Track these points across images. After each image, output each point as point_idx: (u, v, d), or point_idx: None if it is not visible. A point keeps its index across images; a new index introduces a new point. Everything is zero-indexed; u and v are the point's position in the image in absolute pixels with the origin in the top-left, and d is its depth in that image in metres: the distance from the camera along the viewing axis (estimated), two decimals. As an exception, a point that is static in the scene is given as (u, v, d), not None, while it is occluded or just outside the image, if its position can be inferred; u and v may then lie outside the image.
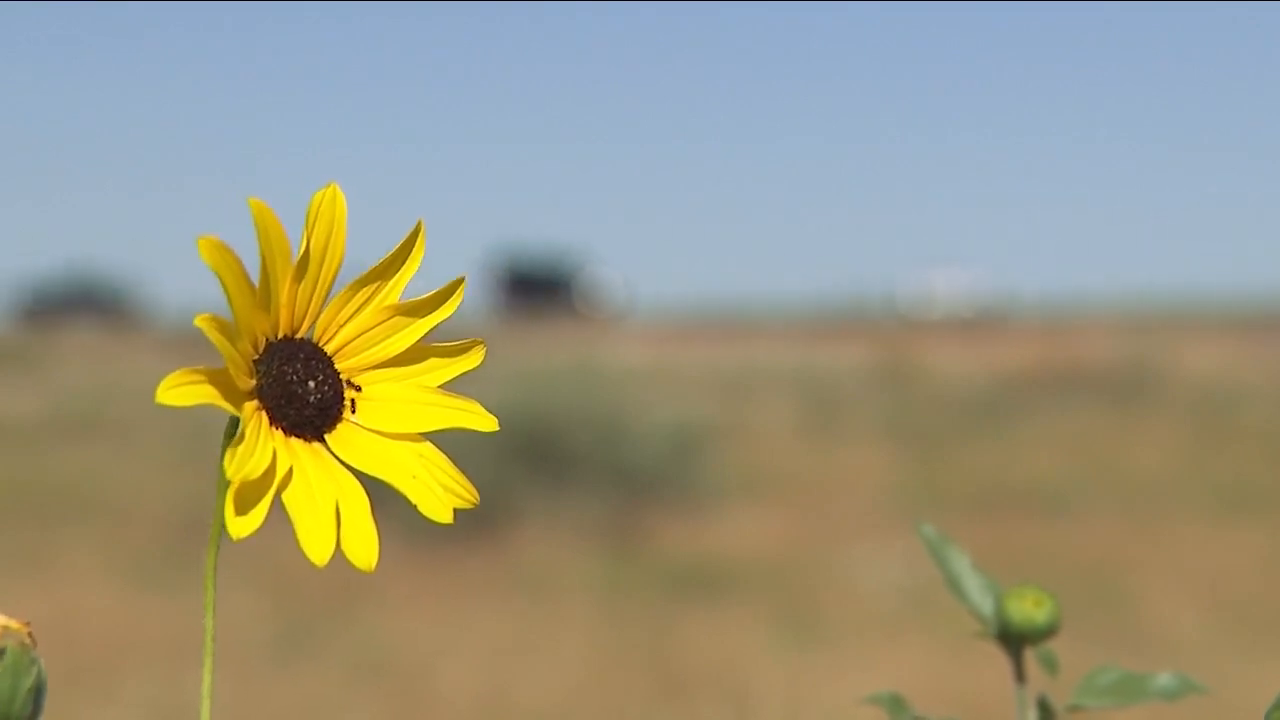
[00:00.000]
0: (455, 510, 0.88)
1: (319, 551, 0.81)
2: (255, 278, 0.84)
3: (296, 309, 0.87)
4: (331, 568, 0.82)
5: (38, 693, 0.86)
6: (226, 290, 0.82)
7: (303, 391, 0.86)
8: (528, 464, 8.97)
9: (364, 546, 0.83)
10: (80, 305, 35.71)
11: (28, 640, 0.86)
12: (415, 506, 0.86)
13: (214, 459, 0.85)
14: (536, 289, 38.01)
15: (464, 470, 0.89)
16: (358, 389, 0.90)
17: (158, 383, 0.79)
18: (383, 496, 0.88)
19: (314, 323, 0.89)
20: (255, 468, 0.81)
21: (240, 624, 6.65)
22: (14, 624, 0.86)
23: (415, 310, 0.91)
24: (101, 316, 33.90)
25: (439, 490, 0.87)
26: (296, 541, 0.81)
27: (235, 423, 0.84)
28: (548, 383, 10.19)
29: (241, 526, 0.80)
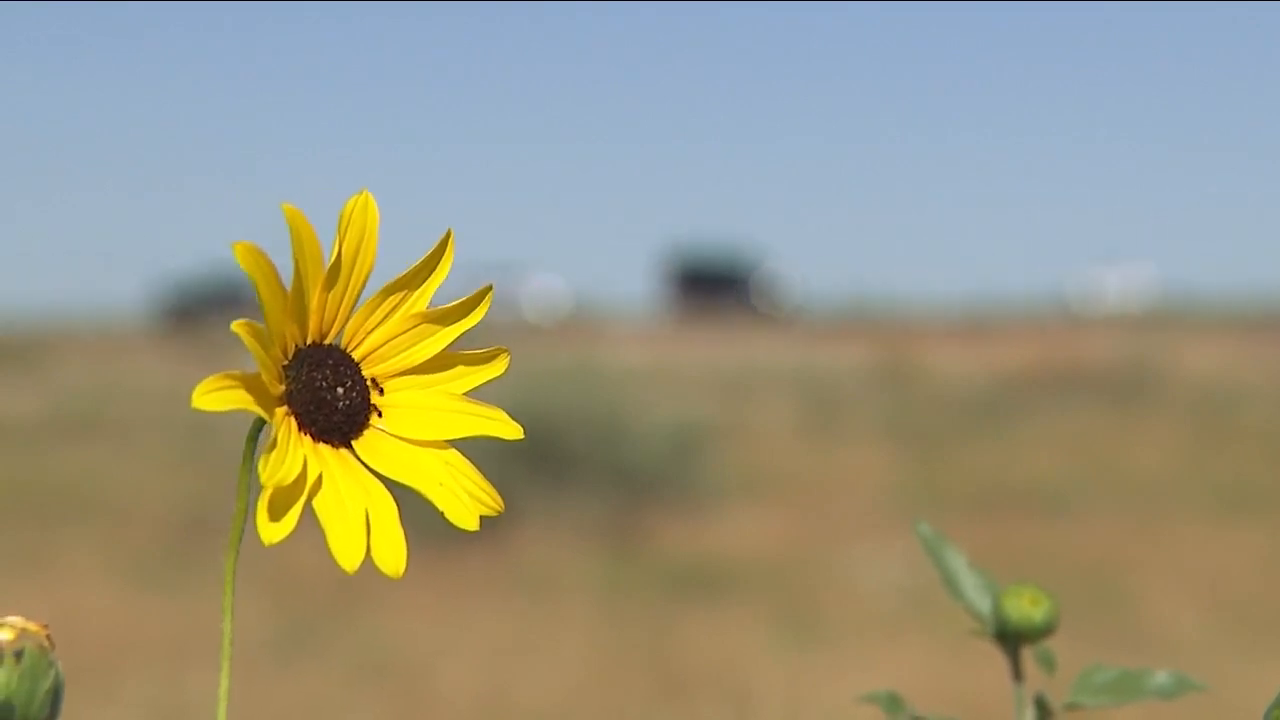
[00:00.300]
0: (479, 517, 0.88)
1: (349, 558, 0.82)
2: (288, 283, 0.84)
3: (326, 315, 0.87)
4: (332, 568, 0.83)
5: (55, 695, 0.86)
6: (260, 295, 0.82)
7: (331, 398, 0.86)
8: (528, 464, 8.98)
9: (393, 553, 0.84)
10: (226, 303, 35.58)
11: (46, 643, 0.86)
12: (443, 514, 0.87)
13: (214, 459, 0.86)
14: (711, 287, 37.05)
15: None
16: (380, 390, 0.90)
17: (159, 382, 0.80)
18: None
19: (342, 329, 0.89)
20: (288, 473, 0.81)
21: (241, 624, 6.64)
22: (33, 626, 0.86)
23: (442, 318, 0.91)
24: (247, 314, 33.94)
25: (465, 497, 0.88)
26: (327, 548, 0.81)
27: (259, 428, 0.84)
28: (548, 382, 10.19)
29: (274, 532, 0.80)
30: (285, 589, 7.28)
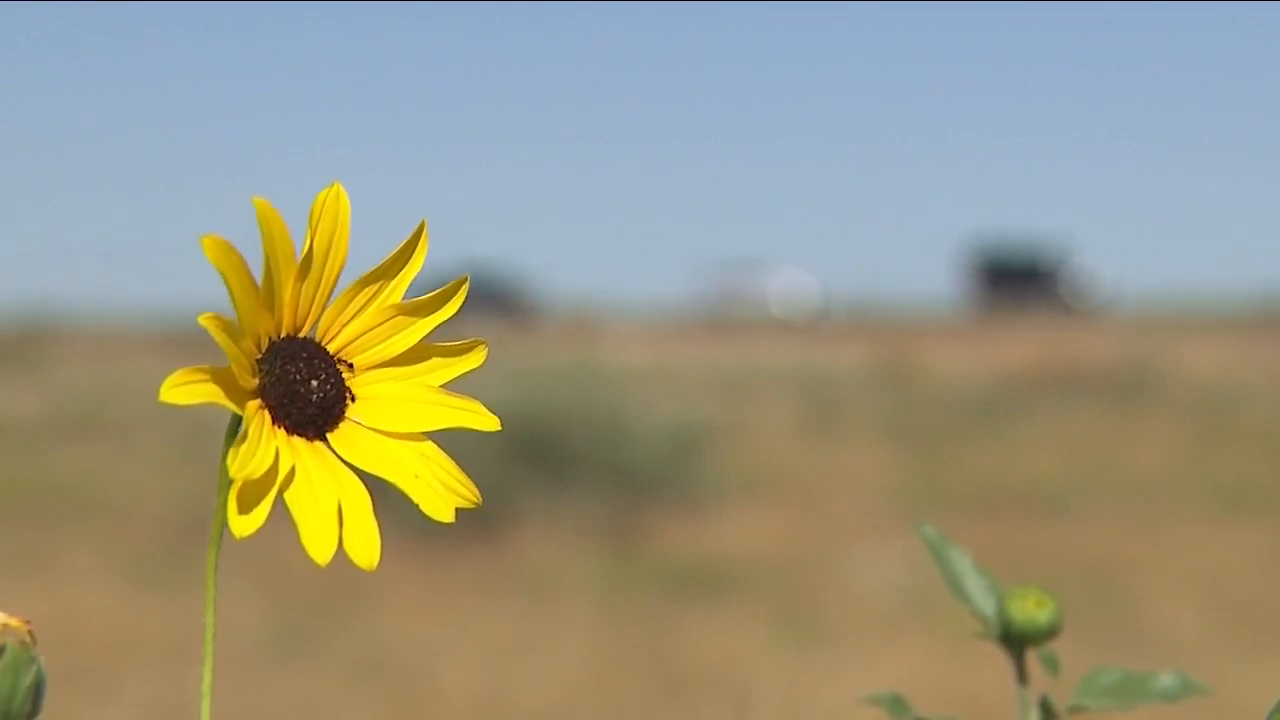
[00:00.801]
0: (456, 509, 0.88)
1: (321, 551, 0.81)
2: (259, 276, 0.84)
3: (299, 308, 0.87)
4: (331, 566, 0.82)
5: (37, 690, 0.86)
6: (230, 289, 0.82)
7: (305, 391, 0.86)
8: (528, 464, 8.97)
9: (366, 545, 0.83)
10: (481, 300, 35.35)
11: (27, 638, 0.86)
12: (418, 506, 0.86)
13: (214, 459, 0.85)
14: (1015, 280, 36.09)
15: (464, 470, 0.89)
16: (350, 366, 0.90)
17: (159, 382, 0.79)
18: (382, 496, 0.88)
19: (317, 322, 0.89)
20: (258, 467, 0.81)
21: (239, 623, 6.65)
22: (14, 622, 0.86)
23: (417, 310, 0.91)
24: (500, 311, 33.65)
25: (441, 490, 0.87)
26: (299, 540, 0.81)
27: (237, 422, 0.84)
28: (548, 382, 10.19)
29: (244, 525, 0.80)
30: (283, 588, 7.27)
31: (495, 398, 0.92)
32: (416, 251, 0.90)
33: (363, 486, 0.85)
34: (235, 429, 0.84)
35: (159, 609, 7.24)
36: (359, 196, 0.88)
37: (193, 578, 7.72)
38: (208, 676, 0.83)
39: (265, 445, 0.83)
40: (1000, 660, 1.09)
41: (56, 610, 6.86)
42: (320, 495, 0.83)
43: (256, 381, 0.85)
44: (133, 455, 11.98)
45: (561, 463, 9.24)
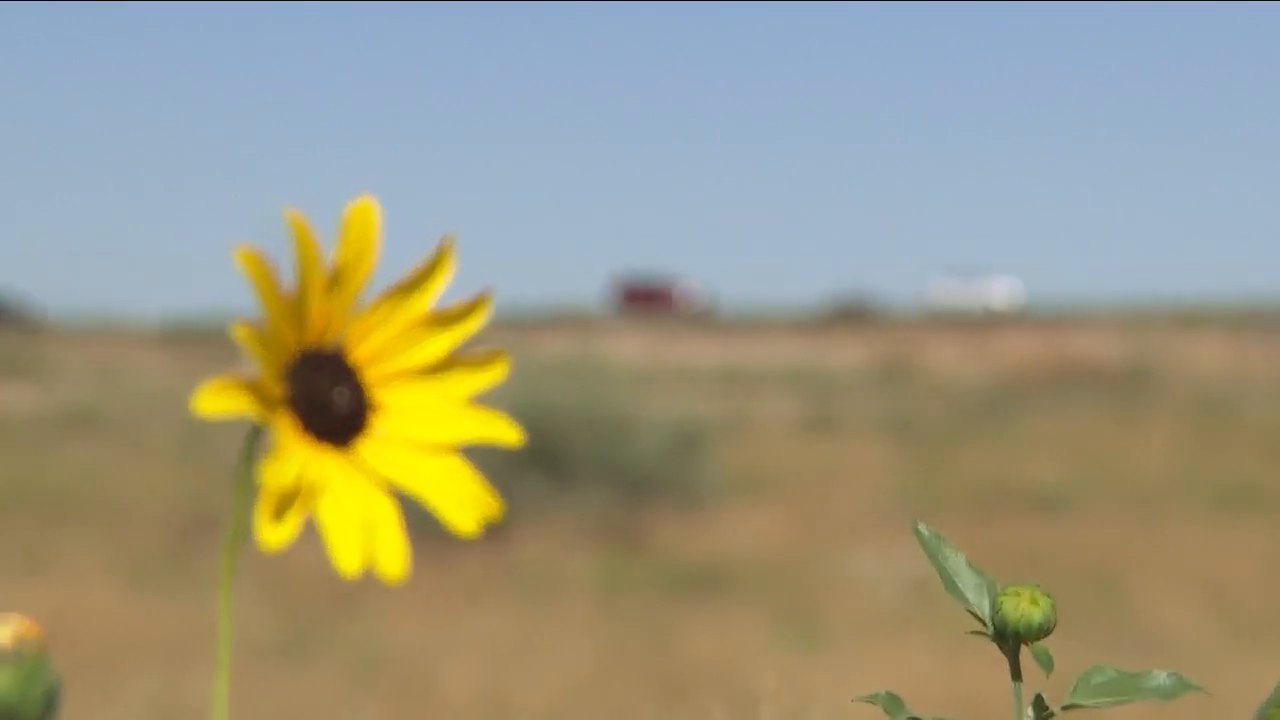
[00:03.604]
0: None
1: (349, 561, 0.82)
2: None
3: (326, 319, 0.88)
4: (332, 568, 0.83)
5: (52, 697, 0.86)
6: (261, 299, 0.82)
7: (330, 401, 0.87)
8: (528, 464, 8.97)
9: (393, 558, 0.84)
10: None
11: (43, 644, 0.86)
12: (441, 517, 0.87)
13: (214, 459, 0.86)
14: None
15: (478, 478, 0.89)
16: (373, 372, 0.90)
17: (160, 382, 0.80)
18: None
19: (343, 332, 0.89)
20: (288, 477, 0.82)
21: (241, 624, 6.65)
22: (29, 627, 0.86)
23: (442, 322, 0.91)
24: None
25: (464, 502, 0.88)
26: (328, 552, 0.82)
27: (255, 431, 0.84)
28: (548, 382, 10.19)
29: (276, 535, 0.81)
30: (285, 589, 7.28)
31: (495, 397, 0.93)
32: (443, 264, 0.90)
33: (389, 499, 0.86)
34: (254, 439, 0.84)
35: (159, 609, 7.25)
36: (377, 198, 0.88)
37: (193, 578, 7.73)
38: (222, 682, 0.84)
39: (294, 456, 0.83)
40: (1000, 660, 1.10)
41: (56, 610, 6.86)
42: (347, 507, 0.84)
43: (285, 392, 0.85)
44: (133, 455, 11.99)
45: (561, 462, 9.25)
